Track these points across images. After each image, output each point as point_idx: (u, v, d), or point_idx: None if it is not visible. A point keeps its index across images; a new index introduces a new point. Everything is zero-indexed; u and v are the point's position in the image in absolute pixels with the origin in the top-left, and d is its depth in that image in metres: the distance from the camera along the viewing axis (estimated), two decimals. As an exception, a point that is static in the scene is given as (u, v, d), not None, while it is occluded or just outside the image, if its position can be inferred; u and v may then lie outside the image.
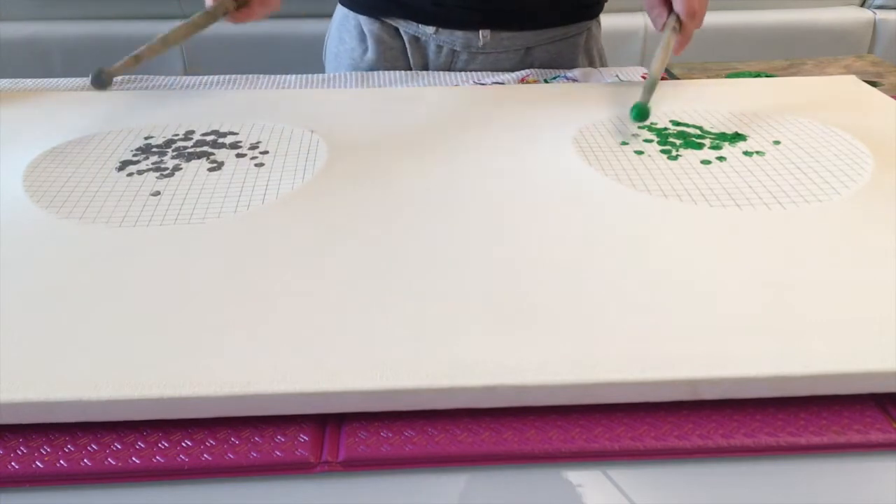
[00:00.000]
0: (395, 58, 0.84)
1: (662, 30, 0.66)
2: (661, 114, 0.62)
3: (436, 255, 0.41)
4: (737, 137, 0.57)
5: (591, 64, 0.87)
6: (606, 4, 0.88)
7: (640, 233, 0.43)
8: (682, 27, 0.65)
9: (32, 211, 0.46)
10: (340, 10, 0.87)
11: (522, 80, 0.76)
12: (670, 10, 0.66)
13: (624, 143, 0.56)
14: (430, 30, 0.82)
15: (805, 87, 0.70)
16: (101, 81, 0.53)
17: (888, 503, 0.29)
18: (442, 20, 0.81)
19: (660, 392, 0.32)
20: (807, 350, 0.33)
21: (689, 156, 0.54)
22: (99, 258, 0.41)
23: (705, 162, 0.53)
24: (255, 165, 0.53)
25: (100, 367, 0.32)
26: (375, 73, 0.80)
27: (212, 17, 0.65)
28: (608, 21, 0.91)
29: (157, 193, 0.49)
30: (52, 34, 1.46)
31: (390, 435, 0.31)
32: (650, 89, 0.61)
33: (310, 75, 0.78)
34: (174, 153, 0.55)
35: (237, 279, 0.39)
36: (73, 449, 0.31)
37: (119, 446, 0.31)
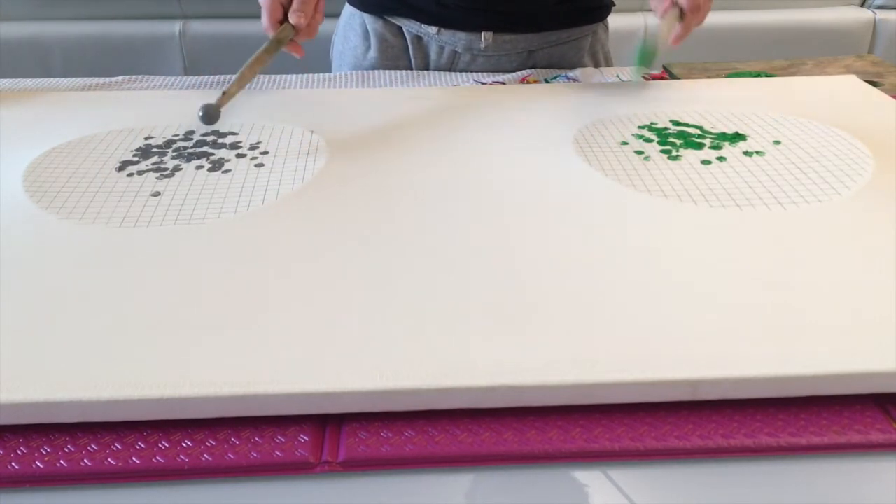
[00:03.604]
0: (396, 57, 0.84)
1: (662, 16, 0.66)
2: (661, 114, 0.62)
3: (436, 255, 0.41)
4: (737, 137, 0.57)
5: (596, 67, 0.87)
6: (607, 5, 0.87)
7: (640, 233, 0.43)
8: (683, 20, 0.65)
9: (32, 211, 0.46)
10: (347, 9, 0.88)
11: (523, 80, 0.76)
12: (673, 1, 0.66)
13: (624, 143, 0.56)
14: (433, 30, 0.82)
15: (805, 87, 0.70)
16: (211, 116, 0.54)
17: (888, 503, 0.29)
18: (444, 21, 0.81)
19: (660, 392, 0.32)
20: (807, 350, 0.33)
21: (690, 156, 0.54)
22: (99, 258, 0.41)
23: (705, 162, 0.53)
24: (255, 165, 0.53)
25: (100, 367, 0.32)
26: (376, 72, 0.80)
27: (278, 44, 0.65)
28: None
29: (158, 194, 0.49)
30: (52, 34, 1.46)
31: (390, 435, 0.31)
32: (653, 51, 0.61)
33: (310, 75, 0.78)
34: (174, 153, 0.55)
35: (237, 279, 0.39)
36: (73, 449, 0.31)
37: (119, 446, 0.31)
